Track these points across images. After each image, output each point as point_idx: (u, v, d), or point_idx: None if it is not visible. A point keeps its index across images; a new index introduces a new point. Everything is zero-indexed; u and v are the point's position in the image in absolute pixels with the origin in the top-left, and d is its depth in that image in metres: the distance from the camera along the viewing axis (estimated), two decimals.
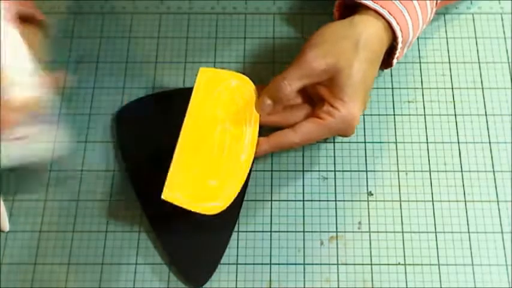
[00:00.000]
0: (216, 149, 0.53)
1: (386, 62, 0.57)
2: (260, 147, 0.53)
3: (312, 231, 0.56)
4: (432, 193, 0.57)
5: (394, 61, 0.57)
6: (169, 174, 0.51)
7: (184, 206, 0.51)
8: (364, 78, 0.53)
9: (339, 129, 0.53)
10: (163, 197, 0.50)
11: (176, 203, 0.51)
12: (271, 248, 0.55)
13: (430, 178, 0.58)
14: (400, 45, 0.55)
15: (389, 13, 0.53)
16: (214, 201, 0.51)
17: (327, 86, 0.52)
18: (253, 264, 0.55)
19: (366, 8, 0.54)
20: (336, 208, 0.57)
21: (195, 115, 0.54)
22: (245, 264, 0.55)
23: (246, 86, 0.55)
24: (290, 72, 0.52)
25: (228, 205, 0.52)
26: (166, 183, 0.51)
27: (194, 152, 0.53)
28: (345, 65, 0.51)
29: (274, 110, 0.54)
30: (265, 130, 0.55)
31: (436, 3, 0.58)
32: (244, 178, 0.53)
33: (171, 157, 0.52)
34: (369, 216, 0.56)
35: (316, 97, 0.54)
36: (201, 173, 0.52)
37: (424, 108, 0.61)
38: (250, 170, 0.54)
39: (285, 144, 0.53)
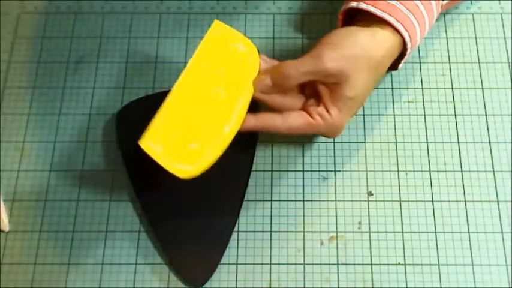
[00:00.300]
0: (204, 112, 0.51)
1: (392, 65, 0.56)
2: (246, 123, 0.52)
3: (312, 231, 0.56)
4: (432, 193, 0.57)
5: (400, 65, 0.57)
6: (153, 122, 0.50)
7: (159, 161, 0.49)
8: (366, 93, 0.53)
9: (325, 132, 0.54)
10: (141, 144, 0.49)
11: (152, 155, 0.49)
12: (271, 248, 0.55)
13: (430, 178, 0.58)
14: (408, 51, 0.55)
15: (397, 20, 0.52)
16: (188, 164, 0.50)
17: (328, 88, 0.52)
18: (253, 264, 0.55)
19: (372, 15, 0.53)
20: (336, 208, 0.57)
21: (195, 70, 0.52)
22: (245, 264, 0.55)
23: (252, 55, 0.53)
24: (301, 64, 0.51)
25: (200, 173, 0.50)
26: (148, 131, 0.50)
27: (183, 108, 0.51)
28: (355, 77, 0.51)
29: (270, 91, 0.53)
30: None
31: (442, 6, 0.58)
32: (223, 150, 0.51)
33: None
34: (369, 216, 0.56)
35: (311, 91, 0.54)
36: (184, 133, 0.50)
37: (424, 108, 0.61)
38: (230, 144, 0.52)
39: (271, 128, 0.52)
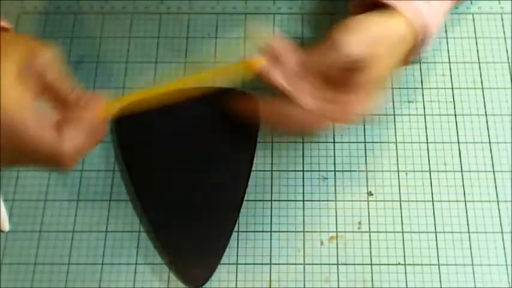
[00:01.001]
0: None
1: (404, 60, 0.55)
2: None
3: (312, 231, 0.56)
4: (432, 193, 0.57)
5: (411, 60, 0.55)
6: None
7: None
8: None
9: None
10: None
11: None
12: (271, 248, 0.55)
13: (430, 178, 0.58)
14: (420, 45, 0.53)
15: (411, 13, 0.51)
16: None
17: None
18: (253, 264, 0.55)
19: (387, 6, 0.51)
20: (336, 208, 0.57)
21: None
22: (245, 264, 0.55)
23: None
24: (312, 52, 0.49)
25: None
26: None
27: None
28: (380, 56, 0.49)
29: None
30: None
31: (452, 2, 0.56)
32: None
33: (171, 157, 0.51)
34: (369, 216, 0.56)
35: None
36: None
37: (424, 108, 0.61)
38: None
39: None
